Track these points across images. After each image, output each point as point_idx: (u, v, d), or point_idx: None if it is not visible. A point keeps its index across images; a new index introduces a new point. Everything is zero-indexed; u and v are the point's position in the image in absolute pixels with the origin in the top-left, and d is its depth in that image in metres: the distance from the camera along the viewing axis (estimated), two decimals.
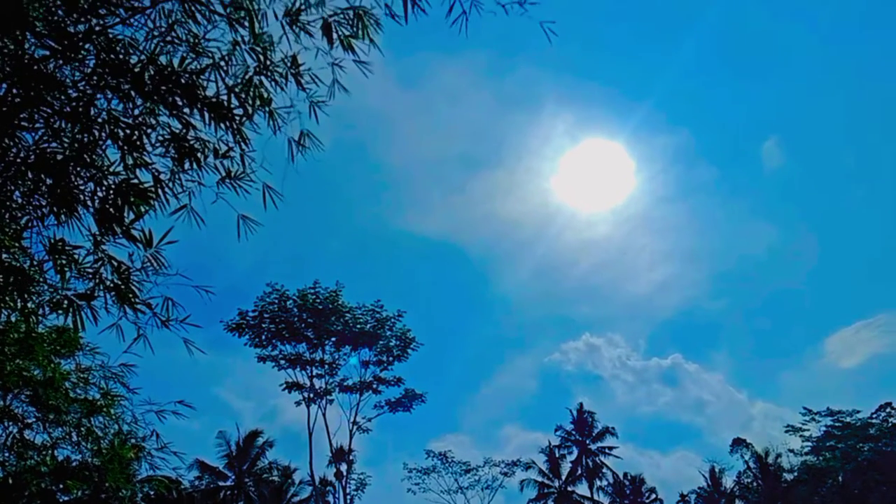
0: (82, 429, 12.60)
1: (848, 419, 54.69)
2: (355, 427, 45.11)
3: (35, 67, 5.54)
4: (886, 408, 53.55)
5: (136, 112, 6.14)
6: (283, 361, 44.14)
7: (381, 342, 44.62)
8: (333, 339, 44.11)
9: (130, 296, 6.69)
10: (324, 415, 44.29)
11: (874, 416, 53.93)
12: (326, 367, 44.73)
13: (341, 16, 6.37)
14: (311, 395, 44.28)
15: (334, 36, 6.42)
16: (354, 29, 6.42)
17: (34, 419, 12.79)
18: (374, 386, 45.48)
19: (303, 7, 6.35)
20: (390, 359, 45.26)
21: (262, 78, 6.48)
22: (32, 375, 12.22)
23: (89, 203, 6.24)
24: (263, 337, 43.30)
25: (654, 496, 56.82)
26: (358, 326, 43.82)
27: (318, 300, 43.16)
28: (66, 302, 6.71)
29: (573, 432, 57.43)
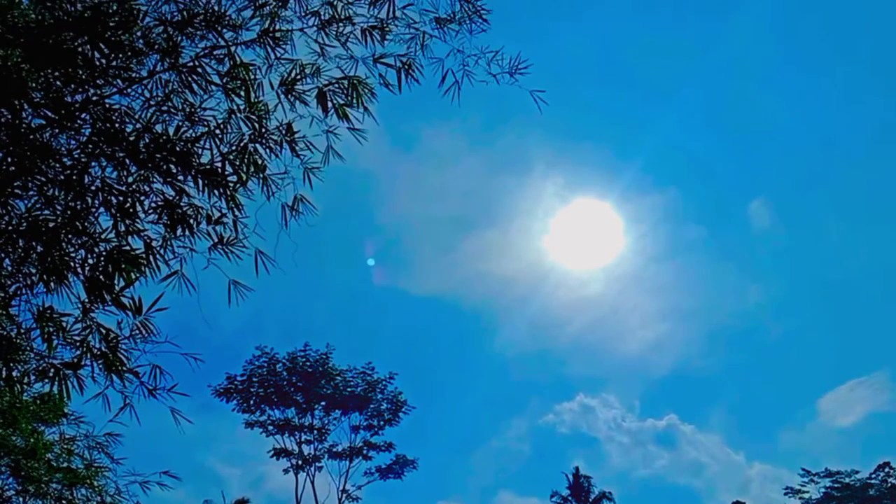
0: (64, 501, 12.19)
1: (847, 480, 53.80)
2: (345, 495, 43.85)
3: (31, 137, 5.57)
4: (885, 467, 52.81)
5: (130, 179, 6.16)
6: (271, 427, 43.19)
7: (371, 406, 43.85)
8: (323, 403, 43.34)
9: (118, 364, 6.56)
10: (312, 483, 43.10)
11: (873, 476, 53.12)
12: (315, 432, 43.79)
13: (336, 85, 6.50)
14: (300, 462, 43.20)
15: (329, 104, 6.53)
16: (349, 98, 6.53)
17: (14, 491, 12.37)
18: (365, 452, 44.45)
19: (298, 77, 6.47)
20: (381, 423, 44.37)
21: (257, 145, 6.54)
22: (14, 444, 11.88)
23: (79, 270, 6.18)
24: (252, 402, 42.48)
25: None
26: (348, 390, 43.12)
27: (307, 363, 42.58)
28: (52, 370, 6.58)
29: (569, 498, 56.06)
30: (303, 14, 6.41)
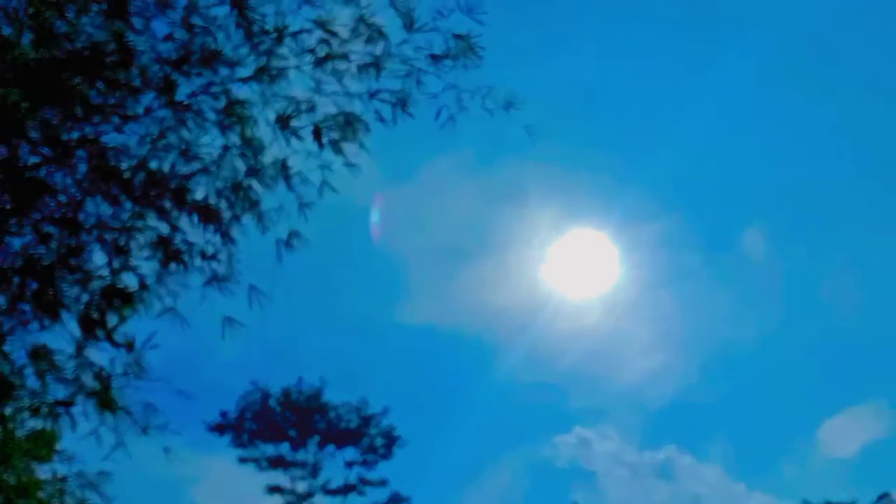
0: None
1: None
2: None
3: (28, 174, 5.59)
4: (884, 497, 52.46)
5: (125, 216, 6.17)
6: (264, 463, 42.66)
7: (365, 440, 43.44)
8: (317, 438, 42.92)
9: (111, 402, 6.51)
10: None
11: None
12: (309, 468, 43.29)
13: (331, 121, 6.56)
14: (294, 500, 42.59)
15: (324, 140, 6.58)
16: (344, 133, 6.59)
17: None
18: (359, 488, 43.88)
19: (293, 113, 6.53)
20: (376, 458, 43.91)
21: (252, 181, 6.57)
22: (6, 482, 11.70)
23: (73, 308, 6.16)
24: (245, 437, 42.02)
25: None
26: (342, 424, 42.76)
27: (301, 397, 42.25)
28: (45, 408, 6.53)
29: None
30: (299, 51, 6.50)
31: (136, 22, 5.86)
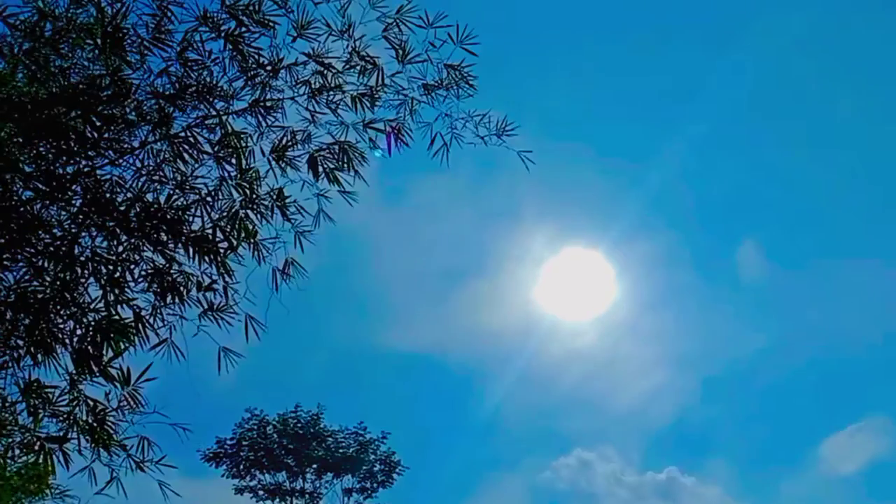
0: None
1: None
2: None
3: (21, 209, 5.57)
4: None
5: (120, 249, 6.14)
6: (261, 492, 42.15)
7: (364, 467, 42.99)
8: (315, 465, 42.46)
9: (105, 437, 6.42)
10: None
11: None
12: (307, 496, 42.76)
13: (327, 151, 6.59)
14: None
15: (320, 169, 6.61)
16: (340, 162, 6.62)
17: None
18: None
19: (289, 143, 6.55)
20: (374, 485, 43.44)
21: (248, 211, 6.57)
22: None
23: (67, 342, 6.11)
24: (242, 466, 41.53)
25: None
26: (340, 451, 42.31)
27: (298, 425, 41.85)
28: (37, 444, 6.43)
29: None
30: (294, 83, 6.54)
31: (132, 56, 5.89)
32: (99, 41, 5.69)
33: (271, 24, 6.14)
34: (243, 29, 6.03)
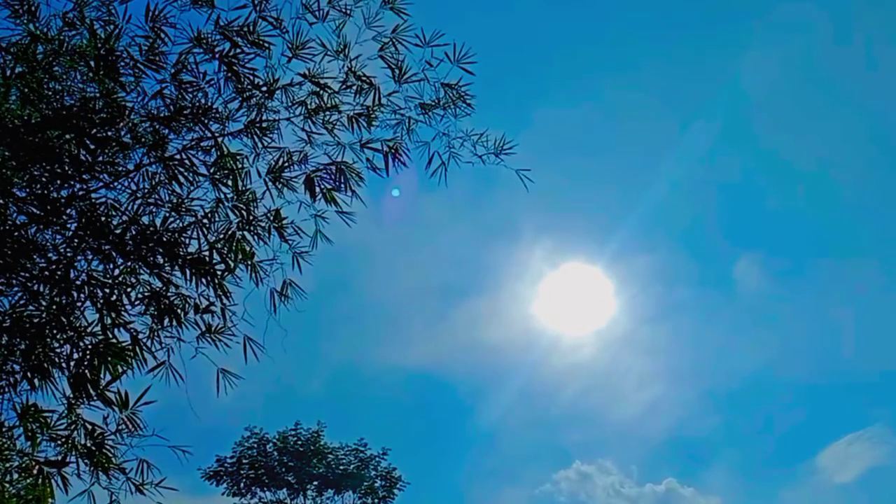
0: None
1: None
2: None
3: (16, 234, 5.53)
4: None
5: (116, 272, 6.10)
6: None
7: (365, 484, 42.71)
8: (316, 483, 42.20)
9: (104, 461, 6.36)
10: None
11: None
12: None
13: (324, 171, 6.56)
14: None
15: (317, 190, 6.58)
16: (337, 183, 6.60)
17: None
18: None
19: (286, 164, 6.53)
20: (375, 501, 43.15)
21: (245, 233, 6.55)
22: None
23: (64, 366, 6.06)
24: (242, 484, 41.26)
25: None
26: (341, 468, 42.06)
27: (299, 442, 41.62)
28: (36, 468, 6.37)
29: None
30: (289, 104, 6.53)
31: (126, 79, 5.88)
32: (92, 63, 5.67)
33: (266, 44, 6.13)
34: (238, 50, 6.02)
